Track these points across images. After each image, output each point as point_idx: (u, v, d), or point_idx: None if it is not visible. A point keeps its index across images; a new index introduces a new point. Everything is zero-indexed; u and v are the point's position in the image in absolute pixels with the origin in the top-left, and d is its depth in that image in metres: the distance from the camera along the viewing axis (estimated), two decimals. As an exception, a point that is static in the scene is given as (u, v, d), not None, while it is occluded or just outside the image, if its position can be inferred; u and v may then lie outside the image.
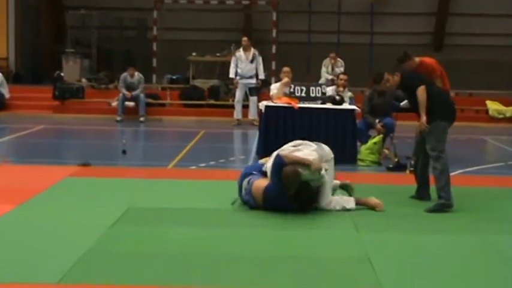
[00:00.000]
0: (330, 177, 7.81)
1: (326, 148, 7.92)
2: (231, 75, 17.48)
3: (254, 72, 17.34)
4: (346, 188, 8.24)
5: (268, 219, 7.30)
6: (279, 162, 7.50)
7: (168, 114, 18.87)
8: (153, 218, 7.31)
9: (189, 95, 19.54)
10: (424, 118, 7.94)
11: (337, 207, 7.75)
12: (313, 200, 7.66)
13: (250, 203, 7.67)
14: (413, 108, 8.29)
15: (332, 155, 7.90)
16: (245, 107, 17.58)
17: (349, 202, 7.85)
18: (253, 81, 17.39)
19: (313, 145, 7.86)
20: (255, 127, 15.69)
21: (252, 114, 17.40)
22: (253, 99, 17.41)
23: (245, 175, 7.87)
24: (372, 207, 7.83)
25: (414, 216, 7.65)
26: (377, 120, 11.99)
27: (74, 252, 5.95)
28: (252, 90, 17.46)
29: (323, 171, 7.55)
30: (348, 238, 6.74)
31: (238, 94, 17.52)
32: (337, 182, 8.19)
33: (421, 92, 7.97)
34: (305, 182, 7.47)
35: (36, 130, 15.69)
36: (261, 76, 17.53)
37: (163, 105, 19.66)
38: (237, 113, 17.58)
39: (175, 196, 8.42)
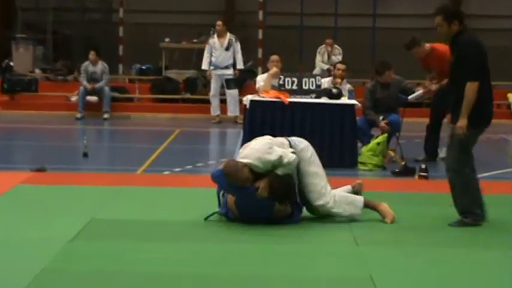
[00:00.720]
0: (311, 166, 7.67)
1: (295, 138, 7.87)
2: (204, 66, 17.46)
3: (231, 61, 17.32)
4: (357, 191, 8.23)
5: (252, 233, 7.31)
6: (217, 174, 7.59)
7: (137, 111, 18.89)
8: (119, 232, 7.32)
9: (162, 88, 19.56)
10: (464, 122, 7.54)
11: (346, 212, 7.71)
12: (292, 193, 7.57)
13: (229, 216, 7.64)
14: (450, 77, 7.94)
15: (305, 143, 7.79)
16: (224, 101, 17.57)
17: (360, 202, 7.80)
18: (230, 71, 17.37)
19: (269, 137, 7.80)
20: (238, 125, 15.73)
21: (231, 111, 17.39)
22: (231, 92, 17.37)
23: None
24: (382, 215, 7.78)
25: (423, 228, 7.68)
26: (380, 117, 12.04)
27: (26, 272, 5.93)
28: (229, 83, 17.39)
29: (279, 152, 7.39)
30: (346, 253, 6.76)
31: (213, 87, 17.50)
32: (348, 187, 8.15)
33: (474, 89, 7.52)
34: (270, 172, 7.38)
35: (-19, 130, 15.67)
36: (239, 66, 17.45)
37: (131, 99, 19.67)
38: (214, 109, 17.57)
39: (145, 206, 8.43)
